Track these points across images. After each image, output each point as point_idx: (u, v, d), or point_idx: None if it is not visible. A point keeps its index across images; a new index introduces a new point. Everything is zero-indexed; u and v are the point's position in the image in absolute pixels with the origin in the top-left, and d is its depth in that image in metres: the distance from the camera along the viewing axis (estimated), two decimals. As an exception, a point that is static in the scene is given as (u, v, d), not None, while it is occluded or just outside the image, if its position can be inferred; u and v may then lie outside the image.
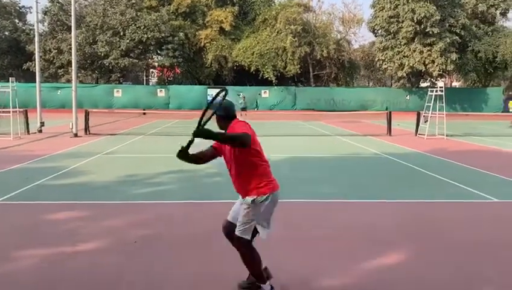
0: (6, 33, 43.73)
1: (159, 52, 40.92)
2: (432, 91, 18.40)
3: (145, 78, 53.14)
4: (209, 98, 38.02)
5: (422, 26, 34.37)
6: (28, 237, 5.41)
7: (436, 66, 35.09)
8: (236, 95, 37.39)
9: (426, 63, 35.36)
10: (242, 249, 3.70)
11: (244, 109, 30.05)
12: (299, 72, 39.25)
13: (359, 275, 4.34)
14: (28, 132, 17.56)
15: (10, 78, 17.53)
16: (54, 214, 6.43)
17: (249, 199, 3.63)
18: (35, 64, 22.97)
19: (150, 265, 4.43)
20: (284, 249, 5.05)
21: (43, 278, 4.20)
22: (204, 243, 5.24)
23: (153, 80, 54.19)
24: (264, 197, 3.63)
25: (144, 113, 29.99)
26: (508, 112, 35.03)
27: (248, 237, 3.67)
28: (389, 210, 6.89)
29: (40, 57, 22.54)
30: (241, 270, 4.41)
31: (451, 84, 55.87)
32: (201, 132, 3.46)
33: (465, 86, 50.15)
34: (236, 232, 3.68)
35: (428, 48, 35.07)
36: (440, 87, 18.61)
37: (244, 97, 32.11)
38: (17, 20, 45.62)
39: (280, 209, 6.82)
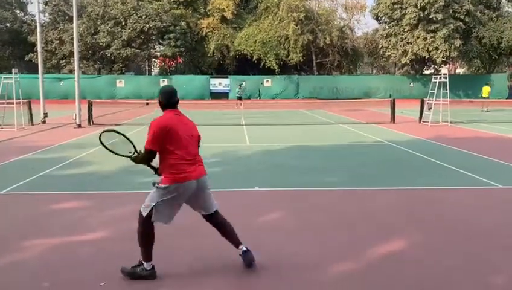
0: (8, 24, 43.63)
1: (160, 41, 40.74)
2: (436, 78, 18.29)
3: (147, 68, 53.02)
4: (212, 88, 38.21)
5: (426, 13, 34.02)
6: (34, 226, 5.46)
7: (440, 52, 34.80)
8: (238, 84, 37.35)
9: (430, 49, 35.08)
10: (139, 225, 3.96)
11: (239, 98, 29.23)
12: (302, 60, 39.03)
13: (365, 262, 4.36)
14: (32, 123, 17.60)
15: (13, 69, 17.53)
16: (60, 204, 6.48)
17: (157, 184, 3.91)
18: (37, 55, 22.94)
19: (154, 252, 4.46)
20: (289, 237, 5.07)
21: (50, 267, 4.24)
22: (207, 231, 5.26)
23: (155, 70, 54.08)
24: (164, 186, 3.86)
25: (147, 104, 29.99)
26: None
27: (157, 219, 3.92)
28: (394, 197, 6.90)
29: (42, 48, 22.48)
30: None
31: (455, 71, 55.50)
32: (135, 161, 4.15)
33: (469, 72, 49.79)
34: (141, 208, 3.95)
35: (432, 35, 34.76)
36: (444, 74, 18.49)
37: (240, 86, 31.49)
38: (18, 11, 45.49)
39: (285, 197, 6.87)
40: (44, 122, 18.33)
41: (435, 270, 4.19)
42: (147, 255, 3.99)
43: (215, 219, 4.24)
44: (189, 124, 4.13)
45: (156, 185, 3.91)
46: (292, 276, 4.06)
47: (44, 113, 18.88)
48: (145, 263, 3.99)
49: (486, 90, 27.71)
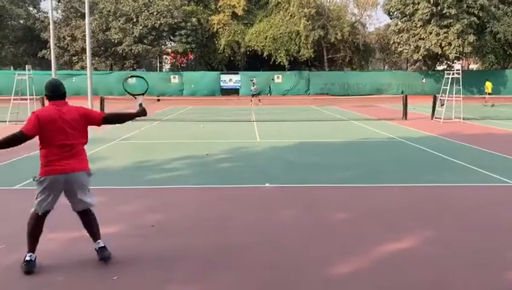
0: (21, 21, 44.11)
1: (172, 38, 40.89)
2: (449, 74, 18.07)
3: (158, 64, 53.27)
4: (222, 84, 38.25)
5: (439, 8, 33.63)
6: (47, 222, 5.51)
7: (453, 48, 34.39)
8: (249, 80, 37.33)
9: (443, 45, 34.68)
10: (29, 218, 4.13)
11: (254, 95, 29.70)
12: (313, 56, 38.87)
13: (375, 259, 4.34)
14: (45, 119, 17.78)
15: (27, 66, 17.74)
16: (72, 199, 6.54)
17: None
18: (50, 51, 23.18)
19: (165, 248, 4.49)
20: (299, 233, 5.07)
21: (62, 262, 4.29)
22: (218, 227, 5.29)
23: (167, 66, 54.30)
24: (38, 177, 4.04)
25: (158, 100, 30.13)
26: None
27: (34, 208, 4.09)
28: (405, 194, 6.85)
29: (55, 44, 22.70)
30: (253, 252, 4.45)
31: (468, 66, 54.82)
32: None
33: (483, 68, 49.13)
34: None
35: (445, 30, 34.35)
36: (457, 70, 18.26)
37: (253, 84, 31.94)
38: (31, 8, 45.96)
39: (296, 194, 6.87)
40: (57, 118, 18.52)
41: (447, 267, 4.15)
42: (32, 245, 4.14)
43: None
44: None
45: (34, 177, 4.12)
46: (301, 272, 4.05)
47: (57, 109, 19.07)
48: (27, 253, 4.10)
49: (489, 85, 27.93)
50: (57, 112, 4.00)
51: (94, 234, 4.28)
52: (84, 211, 4.28)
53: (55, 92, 4.14)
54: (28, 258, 4.07)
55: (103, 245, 4.22)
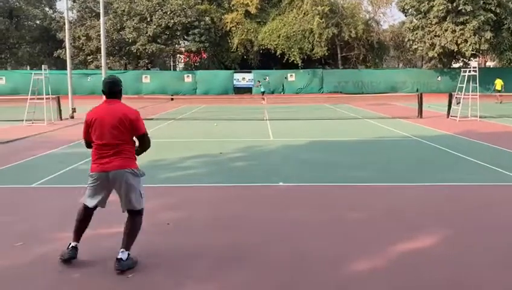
0: (38, 22, 44.78)
1: (185, 37, 41.07)
2: (465, 71, 17.80)
3: (172, 63, 53.56)
4: (236, 83, 38.29)
5: (455, 4, 33.14)
6: (64, 219, 5.59)
7: (469, 45, 33.86)
8: (262, 79, 37.30)
9: (458, 42, 34.18)
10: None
11: (263, 92, 30.09)
12: (327, 54, 38.68)
13: (391, 258, 4.30)
14: (61, 118, 18.04)
15: (43, 65, 17.97)
16: (88, 197, 6.61)
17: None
18: (65, 51, 23.47)
19: (181, 246, 4.51)
20: (314, 232, 5.05)
21: (78, 258, 4.33)
22: (232, 225, 5.29)
23: (180, 65, 54.56)
24: (89, 174, 4.16)
25: (172, 99, 30.31)
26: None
27: (83, 200, 4.23)
28: (421, 193, 6.77)
29: (70, 44, 22.98)
30: (268, 251, 4.45)
31: (485, 64, 53.94)
32: None
33: (500, 65, 48.29)
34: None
35: (461, 27, 33.84)
36: (473, 68, 17.98)
37: (258, 81, 32.13)
38: (47, 9, 46.61)
39: (310, 193, 6.84)
40: (72, 117, 18.76)
41: (463, 267, 4.09)
42: (74, 234, 4.24)
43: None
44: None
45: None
46: (317, 271, 4.03)
47: (72, 109, 19.33)
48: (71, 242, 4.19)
49: (499, 83, 27.83)
50: (104, 111, 4.05)
51: (122, 240, 4.11)
52: (130, 213, 4.14)
53: (107, 90, 4.12)
54: (73, 244, 4.18)
55: (120, 257, 3.98)
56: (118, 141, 4.00)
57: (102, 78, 18.94)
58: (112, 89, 4.11)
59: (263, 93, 30.13)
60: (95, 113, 4.07)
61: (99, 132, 3.99)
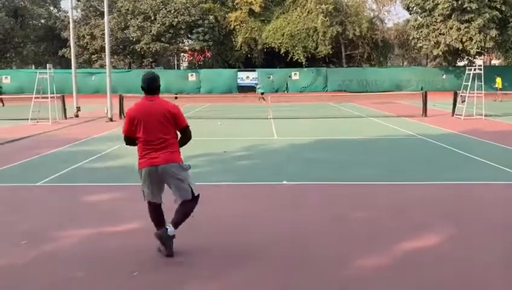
0: (42, 21, 44.96)
1: (189, 36, 41.09)
2: (470, 70, 17.70)
3: (176, 62, 53.60)
4: (240, 81, 38.25)
5: (460, 2, 32.95)
6: (68, 217, 5.61)
7: (474, 43, 33.67)
8: (266, 77, 37.26)
9: (464, 40, 33.99)
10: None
11: (262, 93, 29.30)
12: (331, 52, 38.59)
13: (395, 257, 4.28)
14: (66, 116, 18.10)
15: (48, 64, 18.03)
16: (92, 195, 6.63)
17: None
18: (70, 50, 23.53)
19: (186, 245, 4.51)
20: (318, 231, 5.04)
21: (84, 257, 4.35)
22: (237, 224, 5.29)
23: (184, 64, 54.59)
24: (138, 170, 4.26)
25: (176, 98, 30.31)
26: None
27: (146, 198, 4.33)
28: (426, 192, 6.74)
29: (75, 43, 23.05)
30: (273, 250, 4.44)
31: (490, 62, 53.67)
32: None
33: (505, 63, 48.02)
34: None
35: (466, 25, 33.65)
36: (478, 66, 17.87)
37: (256, 83, 31.71)
38: (52, 8, 46.77)
39: (314, 191, 6.82)
40: (77, 116, 18.83)
41: (469, 266, 4.07)
42: (155, 225, 4.38)
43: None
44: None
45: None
46: (321, 270, 4.02)
47: (77, 107, 19.39)
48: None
49: (499, 81, 28.03)
50: (147, 107, 4.15)
51: (173, 217, 4.26)
52: (184, 201, 4.28)
53: (146, 86, 4.22)
54: (159, 231, 4.25)
55: (167, 227, 4.18)
56: (163, 135, 4.12)
57: (106, 78, 18.84)
58: (151, 86, 4.22)
59: (262, 93, 29.54)
60: (137, 110, 4.16)
61: (145, 128, 4.09)
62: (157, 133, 4.09)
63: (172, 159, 4.14)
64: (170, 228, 4.17)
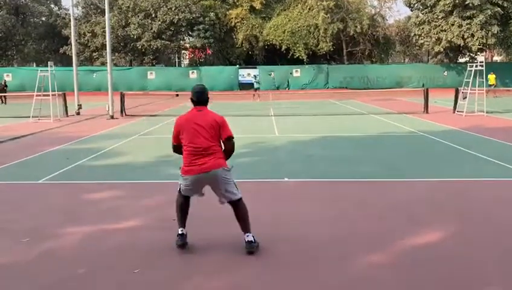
0: (43, 18, 44.92)
1: (190, 33, 41.02)
2: (472, 66, 17.65)
3: (177, 60, 53.52)
4: (241, 79, 38.18)
5: (462, -2, 32.83)
6: (70, 215, 5.62)
7: (476, 40, 33.55)
8: (267, 74, 37.19)
9: (465, 37, 33.87)
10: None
11: (257, 89, 28.81)
12: (332, 49, 38.50)
13: (397, 254, 4.29)
14: (67, 114, 18.13)
15: (49, 62, 18.04)
16: (94, 193, 6.65)
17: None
18: (71, 48, 23.52)
19: (189, 241, 4.52)
20: (318, 228, 5.04)
21: (84, 254, 4.36)
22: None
23: (185, 61, 54.51)
24: (181, 175, 4.47)
25: (177, 95, 30.31)
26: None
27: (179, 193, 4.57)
28: (426, 189, 6.74)
29: (76, 40, 23.04)
30: (274, 247, 4.45)
31: (492, 58, 53.47)
32: None
33: (507, 60, 47.89)
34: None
35: (468, 21, 33.52)
36: (480, 62, 17.84)
37: (255, 76, 31.21)
38: (52, 5, 46.73)
39: (315, 188, 6.83)
40: (78, 113, 18.84)
41: (471, 262, 4.08)
42: (178, 221, 4.54)
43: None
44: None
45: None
46: (323, 267, 4.03)
47: (78, 105, 19.41)
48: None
49: (492, 77, 28.18)
50: (196, 117, 4.36)
51: (241, 227, 4.46)
52: (233, 203, 4.45)
53: (195, 98, 4.40)
54: (179, 232, 4.44)
55: (249, 240, 4.33)
56: (210, 143, 4.32)
57: (107, 75, 18.78)
58: (200, 98, 4.41)
59: (256, 90, 28.83)
60: (186, 119, 4.38)
61: (193, 136, 4.29)
62: (205, 140, 4.29)
63: (220, 164, 4.35)
64: (249, 237, 4.36)
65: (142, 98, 28.48)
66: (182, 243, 4.40)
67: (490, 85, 28.25)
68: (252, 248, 4.30)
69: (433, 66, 39.75)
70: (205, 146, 4.28)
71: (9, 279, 3.88)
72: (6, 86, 30.13)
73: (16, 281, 3.85)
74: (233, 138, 4.47)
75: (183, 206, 4.53)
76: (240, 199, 4.47)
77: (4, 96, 27.28)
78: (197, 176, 4.32)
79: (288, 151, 10.01)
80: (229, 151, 4.51)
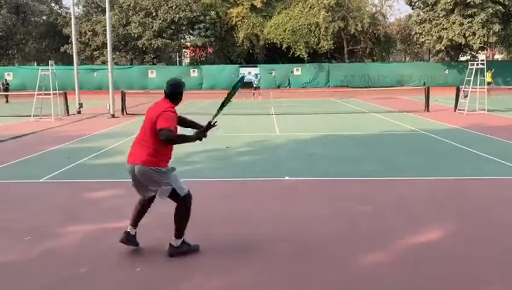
0: (44, 17, 44.95)
1: (191, 32, 41.03)
2: (473, 64, 17.63)
3: (178, 58, 53.53)
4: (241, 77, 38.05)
5: (463, -3, 32.81)
6: (71, 214, 5.63)
7: (477, 38, 33.53)
8: (268, 73, 37.17)
9: (466, 35, 33.84)
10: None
11: (257, 88, 28.54)
12: (333, 48, 38.51)
13: (397, 253, 4.29)
14: (68, 113, 18.13)
15: (50, 61, 18.04)
16: (95, 192, 6.66)
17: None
18: (72, 47, 23.52)
19: (190, 240, 4.52)
20: (319, 226, 5.04)
21: (85, 253, 4.37)
22: (238, 220, 5.30)
23: (186, 60, 54.51)
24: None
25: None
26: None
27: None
28: (427, 187, 6.74)
29: (76, 39, 23.03)
30: (274, 246, 4.45)
31: (493, 57, 53.42)
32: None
33: (508, 58, 47.82)
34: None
35: (469, 20, 33.49)
36: (481, 61, 17.79)
37: (256, 75, 30.86)
38: (53, 4, 46.75)
39: (315, 187, 6.83)
40: (79, 112, 18.85)
41: (467, 262, 4.07)
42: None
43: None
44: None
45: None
46: (323, 266, 4.03)
47: (79, 104, 19.41)
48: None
49: (488, 75, 28.12)
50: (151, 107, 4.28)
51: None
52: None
53: (166, 90, 4.25)
54: (127, 229, 4.34)
55: (172, 244, 4.22)
56: (143, 136, 4.28)
57: (108, 74, 18.76)
58: (170, 91, 4.27)
59: (256, 89, 28.48)
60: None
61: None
62: (141, 132, 4.24)
63: (142, 160, 4.17)
64: (174, 241, 4.24)
65: (143, 96, 28.45)
66: (122, 239, 4.26)
67: (487, 83, 28.29)
68: (167, 252, 4.20)
69: (434, 65, 39.72)
70: (139, 138, 4.20)
71: (10, 278, 3.89)
72: (8, 84, 30.24)
73: (17, 280, 3.85)
74: (165, 129, 3.92)
75: (139, 202, 4.42)
76: (180, 200, 4.20)
77: (7, 95, 27.38)
78: (128, 166, 4.22)
79: (289, 150, 10.01)
80: (165, 144, 4.10)
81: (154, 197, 4.39)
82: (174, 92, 4.22)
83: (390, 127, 13.70)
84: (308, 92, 32.99)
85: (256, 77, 30.13)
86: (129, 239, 4.30)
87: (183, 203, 4.17)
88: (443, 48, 36.02)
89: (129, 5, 37.90)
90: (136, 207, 4.42)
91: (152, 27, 37.44)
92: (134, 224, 4.37)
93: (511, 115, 16.66)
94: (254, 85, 29.05)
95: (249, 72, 37.84)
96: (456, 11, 33.86)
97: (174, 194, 4.17)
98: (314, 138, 11.66)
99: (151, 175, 4.09)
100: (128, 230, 4.32)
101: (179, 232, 4.20)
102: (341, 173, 7.81)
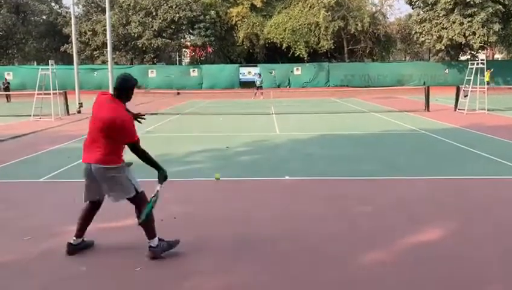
0: (44, 17, 44.96)
1: (191, 31, 41.03)
2: (473, 64, 17.62)
3: (177, 58, 53.53)
4: (241, 77, 38.15)
5: (463, -4, 32.81)
6: (72, 213, 5.60)
7: (477, 37, 33.52)
8: (268, 72, 37.17)
9: (466, 35, 33.84)
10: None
11: (259, 87, 28.33)
12: (333, 47, 38.52)
13: (397, 253, 4.28)
14: (68, 112, 18.13)
15: (50, 60, 18.03)
16: (95, 191, 6.64)
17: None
18: (72, 46, 23.51)
19: (188, 240, 4.52)
20: (319, 226, 5.04)
21: (86, 252, 4.36)
22: (238, 219, 5.30)
23: (186, 59, 54.52)
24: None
25: (178, 93, 30.32)
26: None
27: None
28: (427, 187, 6.73)
29: (76, 39, 23.04)
30: (274, 246, 4.45)
31: (493, 56, 53.41)
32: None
33: (508, 58, 47.81)
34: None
35: (469, 19, 33.49)
36: (481, 60, 17.79)
37: (259, 75, 30.66)
38: (53, 4, 46.76)
39: (316, 187, 6.82)
40: (79, 112, 18.85)
41: (468, 261, 4.07)
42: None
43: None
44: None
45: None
46: (323, 265, 4.03)
47: (79, 103, 19.41)
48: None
49: (487, 75, 28.11)
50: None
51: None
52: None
53: (115, 84, 4.23)
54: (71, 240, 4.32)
55: (150, 245, 4.20)
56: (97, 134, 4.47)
57: (108, 73, 18.77)
58: (118, 85, 4.31)
59: (259, 88, 28.25)
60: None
61: None
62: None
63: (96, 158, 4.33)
64: (151, 241, 4.25)
65: (142, 96, 28.45)
66: (69, 250, 4.24)
67: (487, 83, 28.31)
68: (148, 253, 4.17)
69: (434, 64, 39.73)
70: (93, 137, 4.29)
71: (10, 278, 3.89)
72: (9, 83, 30.27)
73: (17, 280, 3.85)
74: (138, 140, 4.41)
75: (85, 209, 4.40)
76: (137, 198, 4.24)
77: (8, 94, 27.41)
78: (83, 165, 4.23)
79: (289, 150, 10.00)
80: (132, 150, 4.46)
81: (100, 204, 4.41)
82: (124, 86, 4.16)
83: (390, 126, 13.70)
84: (308, 91, 32.99)
85: (259, 77, 30.00)
86: (76, 249, 4.27)
87: (142, 202, 4.25)
88: (443, 47, 36.03)
89: (129, 5, 37.90)
90: (82, 215, 4.37)
91: (152, 27, 37.44)
92: (80, 235, 4.33)
93: (511, 114, 16.65)
94: (257, 85, 29.01)
95: (249, 72, 37.87)
96: (456, 10, 33.86)
97: (134, 197, 4.27)
98: (314, 137, 11.66)
99: (109, 173, 4.14)
100: (72, 242, 4.28)
101: (150, 233, 4.19)
102: (341, 172, 7.81)
